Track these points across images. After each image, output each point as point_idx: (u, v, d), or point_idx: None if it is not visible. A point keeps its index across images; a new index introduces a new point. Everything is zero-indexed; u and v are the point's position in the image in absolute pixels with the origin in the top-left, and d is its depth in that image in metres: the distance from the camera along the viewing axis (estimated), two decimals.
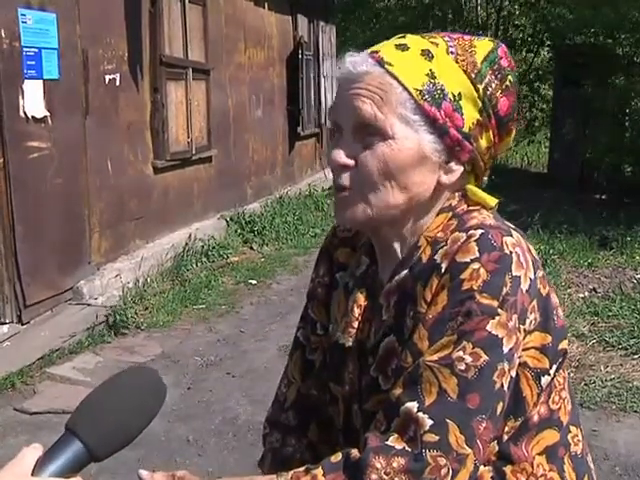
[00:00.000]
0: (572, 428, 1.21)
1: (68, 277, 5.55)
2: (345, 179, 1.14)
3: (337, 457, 1.05)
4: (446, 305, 1.06)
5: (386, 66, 1.10)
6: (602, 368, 4.58)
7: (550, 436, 1.17)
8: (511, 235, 1.09)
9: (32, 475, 0.83)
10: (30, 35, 5.05)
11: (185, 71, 7.23)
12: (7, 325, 5.01)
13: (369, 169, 1.11)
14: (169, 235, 7.08)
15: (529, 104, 18.06)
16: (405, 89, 1.09)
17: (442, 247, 1.11)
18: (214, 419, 4.03)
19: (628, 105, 11.81)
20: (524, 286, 1.06)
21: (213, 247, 7.40)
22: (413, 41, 1.14)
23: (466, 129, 1.12)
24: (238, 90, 8.78)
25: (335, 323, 1.28)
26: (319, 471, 1.03)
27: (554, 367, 1.15)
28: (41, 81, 5.19)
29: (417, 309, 1.10)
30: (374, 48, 1.15)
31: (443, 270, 1.08)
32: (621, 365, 4.65)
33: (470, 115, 1.12)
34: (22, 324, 5.06)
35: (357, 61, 1.13)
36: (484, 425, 1.02)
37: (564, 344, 1.17)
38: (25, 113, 5.04)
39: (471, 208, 1.16)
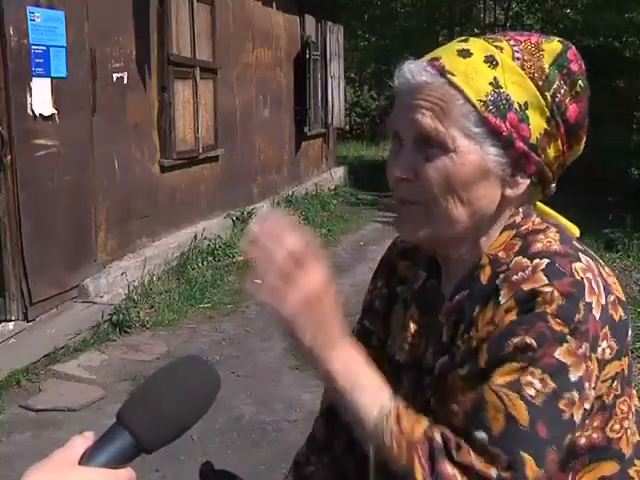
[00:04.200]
0: (636, 462, 1.13)
1: (74, 275, 5.56)
2: (405, 192, 1.09)
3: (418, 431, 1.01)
4: (513, 322, 1.00)
5: (448, 76, 1.04)
6: None
7: (608, 467, 1.09)
8: (579, 260, 1.03)
9: (79, 464, 0.80)
10: (38, 33, 5.06)
11: (193, 70, 7.24)
12: (13, 322, 5.02)
13: (430, 182, 1.06)
14: (175, 234, 7.09)
15: None
16: (468, 101, 1.04)
17: (504, 271, 1.05)
18: (219, 418, 4.03)
19: (635, 107, 11.80)
20: (596, 313, 1.00)
21: (219, 246, 7.40)
22: (476, 46, 1.07)
23: (533, 140, 1.06)
24: (245, 90, 8.79)
25: (392, 338, 1.24)
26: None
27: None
28: (49, 79, 5.20)
29: (470, 333, 1.06)
30: (434, 54, 1.09)
31: (505, 298, 1.02)
32: None
33: (537, 125, 1.06)
34: (28, 321, 5.08)
35: (416, 70, 1.06)
36: (552, 457, 0.97)
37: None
38: (33, 111, 5.05)
39: (536, 227, 1.10)
